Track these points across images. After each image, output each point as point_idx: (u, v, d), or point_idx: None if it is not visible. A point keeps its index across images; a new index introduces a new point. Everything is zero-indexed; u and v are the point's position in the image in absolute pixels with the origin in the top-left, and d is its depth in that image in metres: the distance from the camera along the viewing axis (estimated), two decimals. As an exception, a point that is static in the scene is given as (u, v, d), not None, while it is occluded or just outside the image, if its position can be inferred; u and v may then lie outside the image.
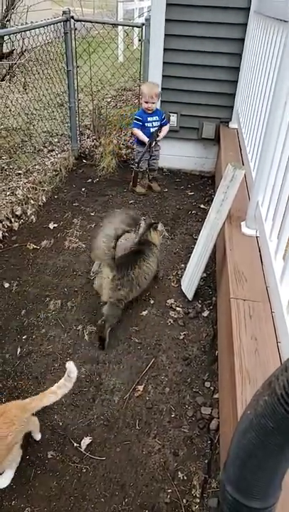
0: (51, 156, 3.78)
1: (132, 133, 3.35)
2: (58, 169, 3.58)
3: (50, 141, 4.09)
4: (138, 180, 3.40)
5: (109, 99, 5.30)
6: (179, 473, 1.47)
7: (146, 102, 3.13)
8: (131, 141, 4.01)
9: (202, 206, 3.21)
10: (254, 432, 0.50)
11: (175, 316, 2.16)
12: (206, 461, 1.50)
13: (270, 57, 1.97)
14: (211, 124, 3.50)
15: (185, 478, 1.45)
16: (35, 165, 3.55)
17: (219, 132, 3.45)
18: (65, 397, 1.72)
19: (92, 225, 2.95)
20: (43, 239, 2.76)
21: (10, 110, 4.21)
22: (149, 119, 3.19)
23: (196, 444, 1.56)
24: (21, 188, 3.13)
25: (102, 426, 1.62)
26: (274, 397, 0.47)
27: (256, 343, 1.36)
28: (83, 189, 3.45)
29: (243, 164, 2.53)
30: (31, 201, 3.09)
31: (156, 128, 3.21)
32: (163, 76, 3.39)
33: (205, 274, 2.39)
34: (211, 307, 2.22)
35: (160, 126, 3.24)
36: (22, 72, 4.82)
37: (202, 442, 1.57)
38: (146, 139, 3.20)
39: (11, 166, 3.52)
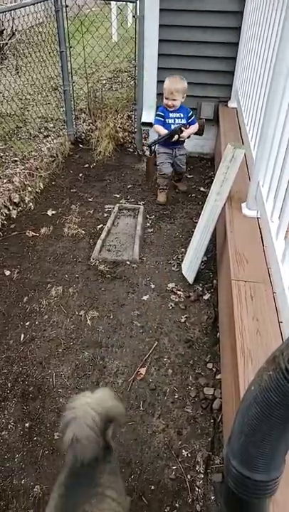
0: (47, 141, 3.73)
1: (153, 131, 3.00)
2: (55, 155, 3.54)
3: (46, 127, 4.03)
4: (163, 188, 3.01)
5: (104, 82, 5.20)
6: (183, 451, 1.51)
7: (167, 99, 2.79)
8: (128, 124, 3.95)
9: (202, 189, 3.19)
10: (258, 407, 0.51)
11: (176, 300, 2.17)
12: (209, 439, 1.54)
13: (270, 31, 1.92)
14: (210, 104, 3.44)
15: (189, 455, 1.49)
16: (31, 151, 3.50)
17: (218, 112, 3.40)
18: (70, 380, 1.75)
19: (91, 211, 2.93)
20: (42, 226, 2.75)
21: (3, 95, 4.13)
22: (171, 115, 2.86)
23: (200, 423, 1.59)
24: (18, 175, 3.10)
25: (107, 408, 1.65)
26: (278, 372, 0.48)
27: (258, 324, 1.37)
28: (80, 174, 3.41)
29: (243, 144, 2.50)
30: (29, 188, 3.06)
31: (176, 127, 2.84)
32: (159, 55, 3.31)
33: (205, 258, 2.39)
34: (212, 290, 2.23)
35: (187, 125, 2.86)
36: (14, 54, 4.71)
37: (205, 421, 1.60)
38: (166, 131, 2.83)
39: (7, 153, 3.47)
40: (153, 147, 2.90)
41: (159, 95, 3.48)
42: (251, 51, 2.54)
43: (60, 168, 3.48)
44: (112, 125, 3.78)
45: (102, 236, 2.58)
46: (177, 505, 1.36)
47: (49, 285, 2.26)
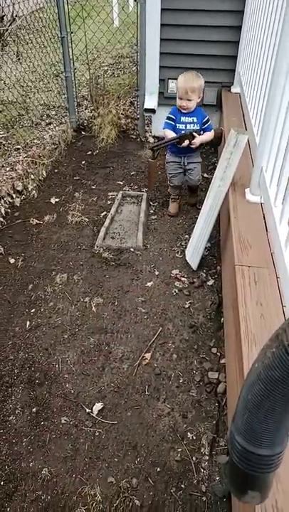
0: (49, 129, 3.71)
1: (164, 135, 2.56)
2: (57, 142, 3.52)
3: (48, 114, 4.00)
4: (174, 198, 2.73)
5: (106, 68, 5.13)
6: (188, 433, 1.53)
7: (181, 99, 2.39)
8: (130, 110, 3.91)
9: (205, 175, 3.16)
10: (262, 384, 0.52)
11: (180, 286, 2.18)
12: (214, 422, 1.56)
13: (272, 13, 1.88)
14: (213, 89, 3.39)
15: (194, 438, 1.51)
16: (33, 139, 3.48)
17: (221, 98, 3.35)
18: (76, 366, 1.77)
19: (94, 199, 2.93)
20: (46, 214, 2.76)
21: (4, 83, 4.09)
22: (182, 119, 2.45)
23: (204, 407, 1.61)
24: (21, 163, 3.09)
25: (112, 392, 1.67)
26: (281, 349, 0.49)
27: (262, 308, 1.37)
28: (83, 162, 3.40)
29: (246, 129, 2.47)
30: (32, 176, 3.06)
31: (186, 131, 2.44)
32: (161, 39, 3.26)
33: (209, 244, 2.38)
34: (216, 276, 2.23)
35: (200, 132, 2.47)
36: (14, 41, 4.65)
37: (210, 405, 1.62)
38: (174, 135, 2.45)
39: (9, 141, 3.46)
40: (157, 151, 2.50)
41: (162, 81, 3.44)
42: (254, 34, 2.49)
43: (63, 155, 3.46)
44: (114, 112, 3.74)
45: (106, 223, 2.58)
46: (183, 486, 1.39)
47: (54, 272, 2.28)
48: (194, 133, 2.40)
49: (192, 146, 2.43)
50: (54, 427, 1.56)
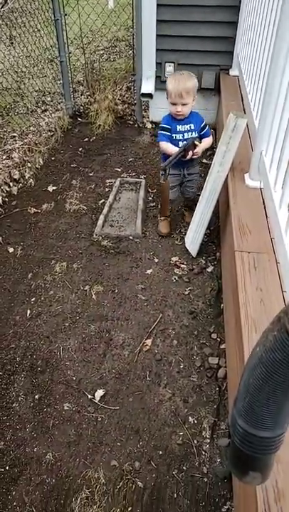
0: (45, 116, 3.65)
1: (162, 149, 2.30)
2: (53, 129, 3.47)
3: (43, 101, 3.93)
4: (166, 216, 2.45)
5: (101, 52, 5.03)
6: (190, 418, 1.55)
7: (174, 104, 2.10)
8: (127, 95, 3.85)
9: (204, 161, 3.13)
10: (263, 367, 0.53)
11: (180, 273, 2.18)
12: (215, 406, 1.58)
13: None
14: (211, 72, 3.33)
15: (195, 422, 1.54)
16: (29, 126, 3.43)
17: (219, 81, 3.29)
18: (77, 353, 1.79)
19: (92, 186, 2.90)
20: (44, 202, 2.74)
21: (-2, 68, 4.01)
22: (179, 127, 2.18)
23: (205, 392, 1.63)
24: (17, 150, 3.06)
25: (114, 378, 1.69)
26: (283, 332, 0.49)
27: (261, 294, 1.38)
28: (80, 149, 3.36)
29: (245, 113, 2.44)
30: (28, 164, 3.02)
31: (188, 140, 2.18)
32: (157, 21, 3.18)
33: (208, 230, 2.38)
34: (215, 262, 2.23)
35: (198, 138, 2.23)
36: (7, 24, 4.54)
37: (210, 389, 1.64)
38: (176, 149, 2.18)
39: (5, 129, 3.41)
40: (168, 170, 2.23)
41: (158, 64, 3.37)
42: (253, 15, 2.43)
43: (60, 142, 3.42)
44: (111, 97, 3.68)
45: (104, 211, 2.56)
46: (184, 468, 1.41)
47: (53, 261, 2.27)
48: (196, 141, 2.19)
49: (194, 157, 2.23)
50: (57, 413, 1.58)
